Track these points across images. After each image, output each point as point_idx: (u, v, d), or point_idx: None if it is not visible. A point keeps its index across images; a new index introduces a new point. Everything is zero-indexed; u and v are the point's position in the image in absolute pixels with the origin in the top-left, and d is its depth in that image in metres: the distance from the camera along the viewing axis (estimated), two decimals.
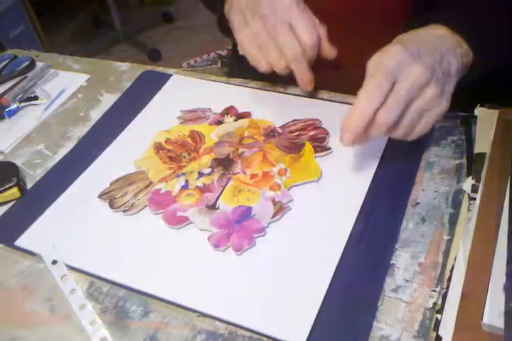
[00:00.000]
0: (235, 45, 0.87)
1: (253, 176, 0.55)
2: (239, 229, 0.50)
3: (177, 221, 0.52)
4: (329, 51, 0.61)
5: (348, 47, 0.70)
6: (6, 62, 0.80)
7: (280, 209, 0.52)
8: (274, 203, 0.52)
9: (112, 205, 0.54)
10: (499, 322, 0.39)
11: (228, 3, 0.65)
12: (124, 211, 0.53)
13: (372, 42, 0.69)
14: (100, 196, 0.55)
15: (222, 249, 0.49)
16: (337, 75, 0.71)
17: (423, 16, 0.55)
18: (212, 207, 0.53)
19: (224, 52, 2.13)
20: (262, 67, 0.60)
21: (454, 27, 0.53)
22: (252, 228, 0.50)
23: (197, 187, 0.55)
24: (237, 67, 0.88)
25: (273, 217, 0.51)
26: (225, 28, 0.66)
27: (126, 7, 2.66)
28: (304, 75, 0.60)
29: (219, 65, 2.01)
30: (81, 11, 2.75)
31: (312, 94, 0.67)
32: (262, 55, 0.59)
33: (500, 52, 0.56)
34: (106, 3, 2.41)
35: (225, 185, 0.55)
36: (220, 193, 0.54)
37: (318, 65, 0.67)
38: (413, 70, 0.48)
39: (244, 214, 0.51)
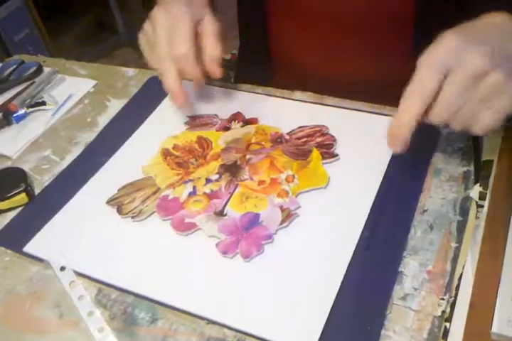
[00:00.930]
0: (240, 49, 0.88)
1: (261, 183, 0.56)
2: (247, 236, 0.50)
3: (185, 227, 0.52)
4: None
5: (358, 50, 0.71)
6: (14, 67, 0.80)
7: (288, 216, 0.52)
8: (282, 210, 0.52)
9: (120, 211, 0.54)
10: (508, 331, 0.39)
11: None
12: (132, 217, 0.54)
13: (383, 46, 0.69)
14: (108, 202, 0.55)
15: (231, 255, 0.49)
16: (346, 79, 0.71)
17: (475, 9, 0.49)
18: (220, 213, 0.53)
19: (228, 56, 2.14)
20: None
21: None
22: (260, 235, 0.50)
23: (205, 193, 0.55)
24: (243, 72, 0.88)
25: (281, 223, 0.51)
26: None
27: (129, 11, 2.66)
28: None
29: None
30: (85, 15, 2.76)
31: (319, 100, 0.67)
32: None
33: None
34: (109, 7, 2.41)
35: (233, 192, 0.55)
36: (228, 200, 0.54)
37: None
38: (469, 58, 0.43)
39: (252, 220, 0.52)
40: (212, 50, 0.59)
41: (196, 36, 0.59)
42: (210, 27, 0.60)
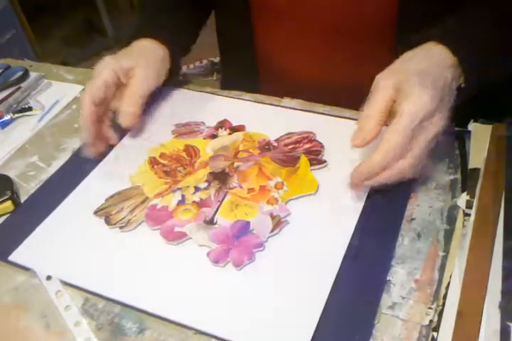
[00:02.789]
0: (222, 58, 0.88)
1: (250, 190, 0.55)
2: (238, 244, 0.50)
3: (175, 236, 0.51)
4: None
5: (343, 58, 0.71)
6: None
7: (278, 223, 0.52)
8: (272, 217, 0.52)
9: (108, 222, 0.54)
10: None
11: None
12: (121, 227, 0.53)
13: (364, 55, 0.70)
14: (96, 212, 0.55)
15: (222, 264, 0.49)
16: (332, 86, 0.72)
17: (419, 33, 0.54)
18: (210, 222, 0.52)
19: (216, 59, 2.14)
20: None
21: (452, 48, 0.52)
22: (251, 243, 0.50)
23: (194, 202, 0.55)
24: (228, 79, 0.88)
25: (271, 231, 0.51)
26: None
27: (117, 11, 2.65)
28: None
29: (214, 78, 2.02)
30: (73, 16, 2.74)
31: (308, 108, 0.67)
32: None
33: (492, 73, 0.56)
34: (97, 7, 2.40)
35: (222, 200, 0.55)
36: (218, 208, 0.54)
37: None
38: (436, 121, 0.48)
39: (243, 229, 0.51)
40: (126, 106, 0.60)
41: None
42: (131, 89, 0.61)
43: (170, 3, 0.74)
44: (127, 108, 0.60)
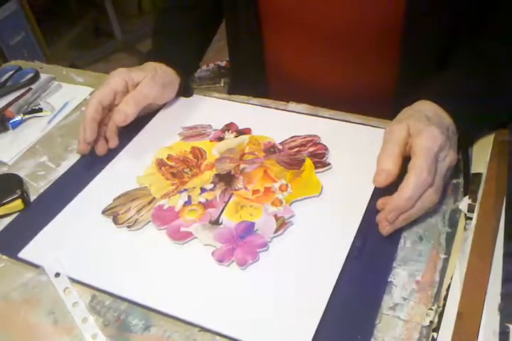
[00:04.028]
0: (232, 61, 0.89)
1: (255, 192, 0.56)
2: (242, 244, 0.51)
3: (181, 236, 0.52)
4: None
5: (348, 62, 0.72)
6: (11, 73, 0.81)
7: (282, 224, 0.53)
8: (277, 218, 0.53)
9: (115, 221, 0.55)
10: None
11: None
12: (128, 227, 0.54)
13: (369, 60, 0.71)
14: (104, 212, 0.56)
15: (227, 263, 0.50)
16: (336, 90, 0.73)
17: (412, 95, 0.58)
18: (216, 222, 0.53)
19: (223, 63, 2.15)
20: None
21: (446, 107, 0.55)
22: (256, 243, 0.51)
23: (200, 202, 0.56)
24: (237, 82, 0.90)
25: (275, 232, 0.52)
26: None
27: (125, 15, 2.67)
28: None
29: (222, 84, 2.03)
30: (81, 19, 2.77)
31: (313, 112, 0.68)
32: None
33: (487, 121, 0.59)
34: (105, 11, 2.42)
35: (228, 201, 0.56)
36: (223, 209, 0.55)
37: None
38: (450, 154, 0.51)
39: (248, 229, 0.52)
40: (122, 105, 0.63)
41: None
42: (133, 92, 0.64)
43: (182, 27, 0.78)
44: (123, 106, 0.62)
